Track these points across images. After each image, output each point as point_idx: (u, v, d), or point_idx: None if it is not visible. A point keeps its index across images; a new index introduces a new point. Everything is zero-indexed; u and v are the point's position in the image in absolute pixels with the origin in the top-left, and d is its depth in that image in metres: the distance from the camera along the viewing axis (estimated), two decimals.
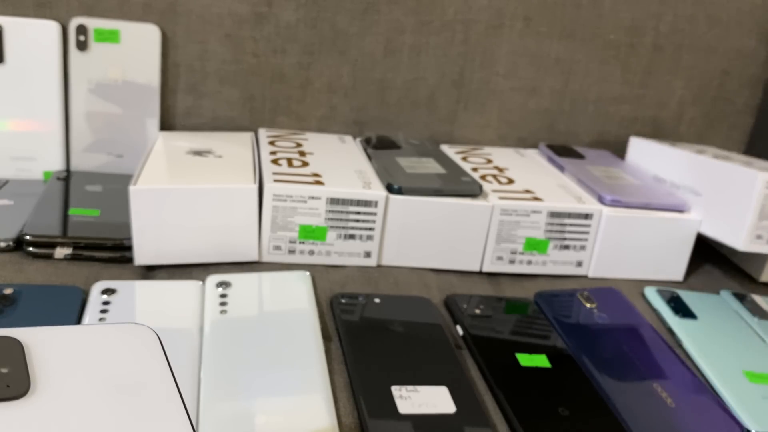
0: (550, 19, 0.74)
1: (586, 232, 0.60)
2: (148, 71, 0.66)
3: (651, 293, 0.58)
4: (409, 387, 0.41)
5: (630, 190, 0.63)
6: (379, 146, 0.67)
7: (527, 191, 0.61)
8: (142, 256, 0.52)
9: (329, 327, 0.48)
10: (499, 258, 0.59)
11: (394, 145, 0.68)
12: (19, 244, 0.53)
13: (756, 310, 0.57)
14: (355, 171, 0.59)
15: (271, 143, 0.65)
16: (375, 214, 0.56)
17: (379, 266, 0.58)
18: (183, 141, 0.63)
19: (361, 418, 0.39)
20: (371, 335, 0.46)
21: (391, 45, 0.72)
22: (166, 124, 0.70)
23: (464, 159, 0.69)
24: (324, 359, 0.43)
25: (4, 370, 0.23)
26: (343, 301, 0.50)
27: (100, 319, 0.43)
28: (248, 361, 0.41)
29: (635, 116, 0.80)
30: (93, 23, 0.64)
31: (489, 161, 0.69)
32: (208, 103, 0.70)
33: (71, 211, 0.57)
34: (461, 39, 0.73)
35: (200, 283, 0.49)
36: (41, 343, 0.24)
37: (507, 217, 0.58)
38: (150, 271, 0.53)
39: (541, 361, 0.46)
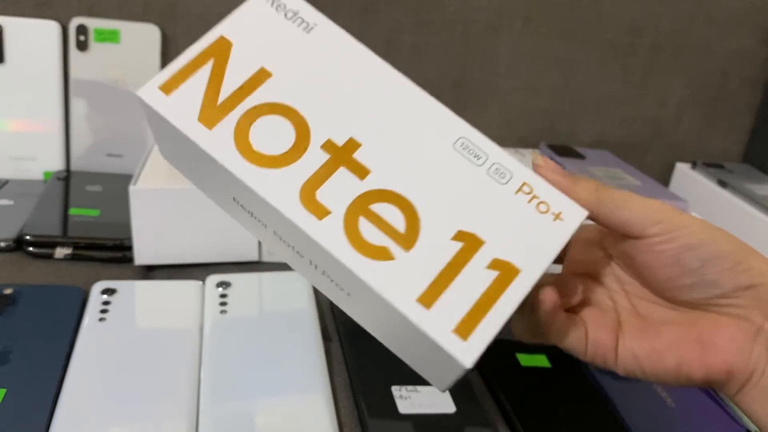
0: (550, 19, 0.74)
1: None
2: (148, 71, 0.66)
3: None
4: (409, 387, 0.41)
5: (631, 191, 0.62)
6: None
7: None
8: (142, 256, 0.52)
9: (329, 327, 0.48)
10: None
11: None
12: (19, 244, 0.53)
13: None
14: None
15: None
16: None
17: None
18: None
19: (361, 418, 0.39)
20: (371, 335, 0.46)
21: (391, 45, 0.71)
22: None
23: None
24: (324, 359, 0.43)
25: None
26: None
27: (100, 320, 0.43)
28: (248, 361, 0.41)
29: (635, 116, 0.80)
30: (93, 23, 0.64)
31: None
32: None
33: (71, 211, 0.57)
34: (461, 39, 0.73)
35: (200, 283, 0.49)
36: None
37: None
38: (150, 271, 0.53)
39: (541, 361, 0.46)
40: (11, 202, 0.59)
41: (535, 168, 0.31)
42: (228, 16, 0.33)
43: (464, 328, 0.28)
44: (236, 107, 0.31)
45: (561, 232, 0.29)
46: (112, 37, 0.65)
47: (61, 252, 0.52)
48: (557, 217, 0.30)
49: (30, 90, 0.64)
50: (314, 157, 0.30)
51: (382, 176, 0.30)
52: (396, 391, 0.41)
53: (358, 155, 0.30)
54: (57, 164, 0.66)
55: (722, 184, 0.71)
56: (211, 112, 0.31)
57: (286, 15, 0.33)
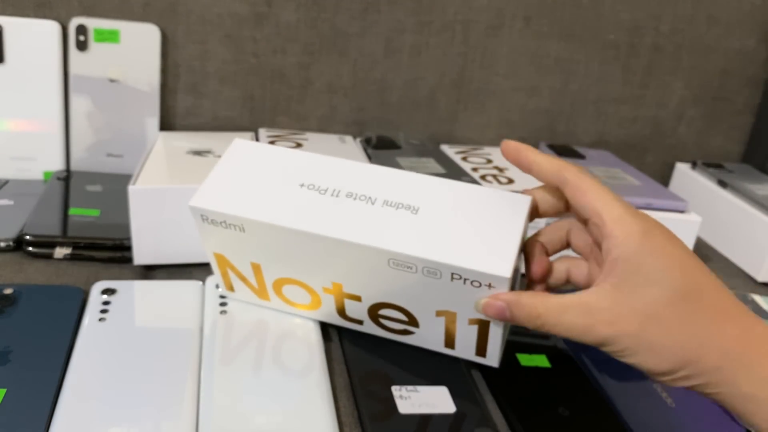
0: (550, 19, 0.74)
1: None
2: (148, 71, 0.66)
3: None
4: (409, 387, 0.41)
5: (631, 191, 0.63)
6: (379, 146, 0.67)
7: (527, 191, 0.61)
8: (141, 256, 0.52)
9: (329, 327, 0.48)
10: None
11: (394, 145, 0.68)
12: (19, 244, 0.53)
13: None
14: None
15: (271, 143, 0.65)
16: None
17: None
18: (183, 141, 0.63)
19: (361, 418, 0.39)
20: (371, 335, 0.46)
21: (391, 45, 0.72)
22: (166, 124, 0.70)
23: (464, 159, 0.69)
24: (324, 359, 0.43)
25: None
26: None
27: (100, 320, 0.43)
28: (248, 361, 0.41)
29: (635, 116, 0.80)
30: (93, 23, 0.64)
31: (489, 161, 0.69)
32: (208, 103, 0.70)
33: (71, 211, 0.57)
34: (461, 39, 0.73)
35: (200, 283, 0.49)
36: None
37: None
38: (150, 271, 0.53)
39: (541, 361, 0.46)
40: (11, 202, 0.59)
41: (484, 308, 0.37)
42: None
43: (480, 352, 0.42)
44: (267, 285, 0.44)
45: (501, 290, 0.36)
46: (112, 37, 0.65)
47: (60, 252, 0.52)
48: (490, 286, 0.36)
49: (30, 90, 0.64)
50: (327, 297, 0.43)
51: (368, 297, 0.41)
52: (396, 391, 0.41)
53: (345, 289, 0.41)
54: (57, 164, 0.66)
55: (722, 184, 0.71)
56: (261, 292, 0.45)
57: (222, 225, 0.40)
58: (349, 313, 0.43)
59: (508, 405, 0.41)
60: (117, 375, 0.39)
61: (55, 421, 0.35)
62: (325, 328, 0.47)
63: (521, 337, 0.48)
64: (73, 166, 0.67)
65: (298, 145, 0.65)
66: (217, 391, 0.39)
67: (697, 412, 0.43)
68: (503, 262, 0.35)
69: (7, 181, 0.64)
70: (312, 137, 0.69)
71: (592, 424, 0.41)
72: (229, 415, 0.37)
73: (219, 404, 0.38)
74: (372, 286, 0.40)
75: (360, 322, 0.44)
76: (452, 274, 0.36)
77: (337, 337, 0.46)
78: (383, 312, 0.42)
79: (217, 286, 0.48)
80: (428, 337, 0.42)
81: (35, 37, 0.63)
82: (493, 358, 0.42)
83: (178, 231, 0.52)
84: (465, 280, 0.36)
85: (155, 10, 0.66)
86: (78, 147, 0.66)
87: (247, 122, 0.72)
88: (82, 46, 0.64)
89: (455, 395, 0.41)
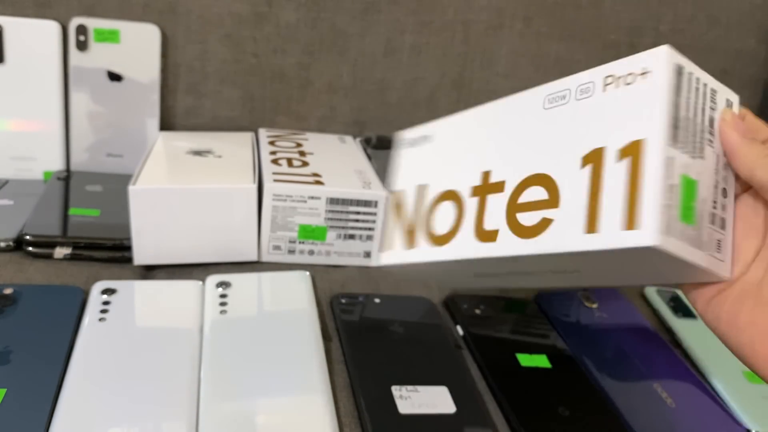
0: (550, 19, 0.74)
1: None
2: (148, 71, 0.66)
3: (651, 293, 0.58)
4: (409, 387, 0.41)
5: None
6: (379, 146, 0.67)
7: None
8: (141, 256, 0.52)
9: (329, 327, 0.48)
10: None
11: (394, 145, 0.68)
12: (19, 244, 0.53)
13: None
14: (355, 171, 0.59)
15: (271, 143, 0.65)
16: (375, 214, 0.56)
17: (379, 266, 0.58)
18: (183, 141, 0.63)
19: (361, 418, 0.39)
20: (371, 335, 0.46)
21: (391, 45, 0.72)
22: (166, 124, 0.70)
23: None
24: (324, 359, 0.43)
25: None
26: (343, 301, 0.50)
27: (100, 320, 0.43)
28: (248, 361, 0.41)
29: None
30: (93, 23, 0.64)
31: None
32: (208, 103, 0.70)
33: (71, 211, 0.57)
34: (461, 39, 0.73)
35: (200, 283, 0.49)
36: None
37: None
38: (150, 271, 0.53)
39: (541, 361, 0.46)
40: (11, 202, 0.59)
41: (720, 122, 0.32)
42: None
43: (630, 221, 0.30)
44: (424, 209, 0.46)
45: (656, 84, 0.31)
46: (112, 37, 0.65)
47: (60, 252, 0.52)
48: (643, 73, 0.32)
49: (30, 90, 0.64)
50: (471, 203, 0.41)
51: (515, 173, 0.38)
52: (396, 391, 0.41)
53: (492, 179, 0.39)
54: (57, 164, 0.66)
55: None
56: (411, 231, 0.47)
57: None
58: (487, 222, 0.39)
59: (508, 405, 0.41)
60: (117, 375, 0.39)
61: (55, 421, 0.35)
62: (326, 328, 0.47)
63: (521, 337, 0.48)
64: (73, 166, 0.67)
65: (298, 145, 0.65)
66: (217, 391, 0.39)
67: (697, 412, 0.43)
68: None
69: (7, 181, 0.64)
70: (312, 137, 0.69)
71: (592, 424, 0.41)
72: (229, 415, 0.37)
73: (219, 404, 0.38)
74: (522, 152, 0.38)
75: (494, 237, 0.38)
76: (606, 77, 0.34)
77: (337, 337, 0.47)
78: (524, 198, 0.37)
79: (217, 285, 0.48)
80: (569, 218, 0.34)
81: (35, 37, 0.63)
82: (648, 225, 0.30)
83: (178, 231, 0.52)
84: (620, 78, 0.34)
85: (155, 10, 0.66)
86: (78, 147, 0.66)
87: (247, 122, 0.72)
88: (82, 46, 0.64)
89: (455, 395, 0.41)
